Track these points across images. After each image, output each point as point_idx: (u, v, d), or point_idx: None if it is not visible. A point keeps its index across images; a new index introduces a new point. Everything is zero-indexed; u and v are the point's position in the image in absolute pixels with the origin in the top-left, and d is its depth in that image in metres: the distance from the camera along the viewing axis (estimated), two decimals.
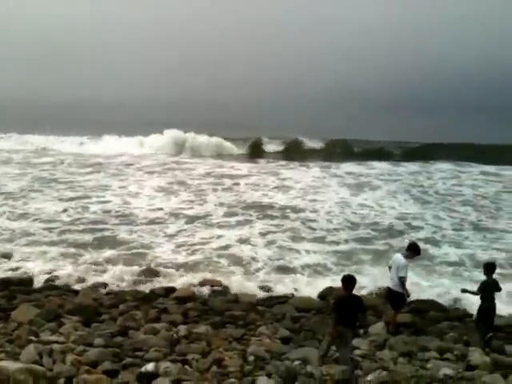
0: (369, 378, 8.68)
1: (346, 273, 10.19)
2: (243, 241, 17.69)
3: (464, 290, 11.07)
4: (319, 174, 31.65)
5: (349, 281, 9.06)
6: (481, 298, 10.73)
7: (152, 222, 19.72)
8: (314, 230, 19.36)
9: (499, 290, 10.76)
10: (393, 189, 27.66)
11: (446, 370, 8.94)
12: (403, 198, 25.49)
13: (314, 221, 20.48)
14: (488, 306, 10.64)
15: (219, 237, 18.01)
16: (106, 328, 10.54)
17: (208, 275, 14.29)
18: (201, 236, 18.12)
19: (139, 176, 29.00)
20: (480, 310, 10.76)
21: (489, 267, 10.87)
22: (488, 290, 10.66)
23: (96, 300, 12.28)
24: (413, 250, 11.31)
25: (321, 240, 18.16)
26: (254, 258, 16.04)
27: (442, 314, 12.43)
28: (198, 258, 15.83)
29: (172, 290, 13.24)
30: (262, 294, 13.44)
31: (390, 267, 11.39)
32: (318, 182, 28.78)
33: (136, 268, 14.50)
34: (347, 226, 19.94)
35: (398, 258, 11.25)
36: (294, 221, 20.38)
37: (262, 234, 18.48)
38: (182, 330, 10.51)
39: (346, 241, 18.20)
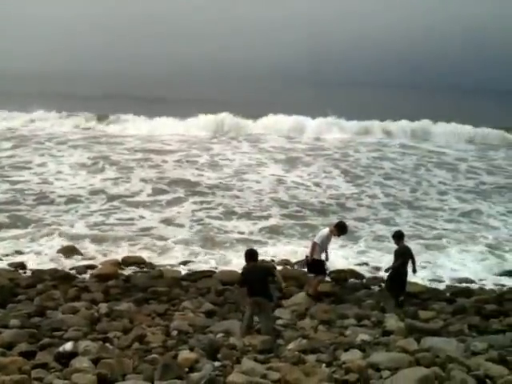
0: (290, 346, 8.88)
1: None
2: (169, 218, 17.48)
3: (387, 269, 11.69)
4: (249, 149, 31.24)
5: (250, 253, 9.64)
6: (395, 264, 11.37)
7: (71, 201, 18.93)
8: (244, 206, 19.23)
9: (414, 259, 11.45)
10: (322, 164, 27.78)
11: (364, 336, 9.30)
12: (334, 173, 25.59)
13: (243, 198, 20.34)
14: (401, 271, 11.32)
15: (142, 217, 17.64)
16: (22, 309, 10.18)
17: (131, 252, 14.07)
18: (125, 214, 17.74)
19: (62, 151, 27.66)
20: (393, 275, 11.39)
21: (397, 235, 11.69)
22: (402, 256, 11.32)
23: (12, 280, 11.78)
24: (339, 228, 11.87)
25: (250, 217, 18.10)
26: (179, 235, 15.87)
27: (360, 283, 12.90)
28: (122, 236, 15.50)
29: (93, 267, 12.94)
30: (186, 270, 13.40)
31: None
32: (250, 159, 28.23)
33: (55, 247, 14.07)
34: (278, 204, 19.80)
35: (324, 229, 11.97)
36: (224, 198, 20.16)
37: (191, 212, 18.24)
38: (103, 307, 10.33)
39: (275, 216, 18.22)
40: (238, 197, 20.47)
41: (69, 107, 40.09)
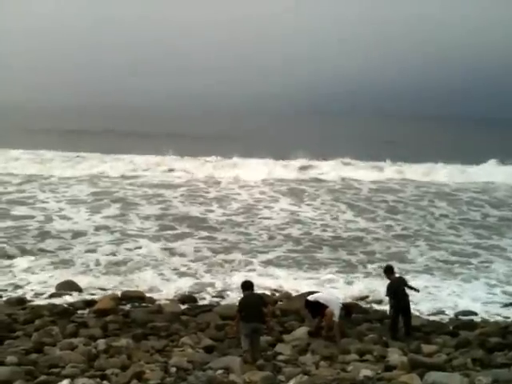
0: (291, 383, 8.71)
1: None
2: (173, 254, 17.38)
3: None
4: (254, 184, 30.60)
5: (246, 284, 10.49)
6: (394, 298, 11.46)
7: (74, 236, 18.88)
8: (251, 242, 19.12)
9: (408, 285, 11.82)
10: (326, 197, 27.46)
11: (366, 372, 9.12)
12: (341, 207, 25.32)
13: (250, 234, 20.16)
14: (401, 305, 11.48)
15: (144, 246, 17.67)
16: (19, 345, 10.06)
17: (131, 287, 13.97)
18: (126, 248, 17.66)
19: (67, 187, 27.36)
20: (395, 307, 11.47)
21: (387, 270, 12.06)
22: (393, 291, 11.54)
23: (10, 316, 11.66)
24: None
25: (255, 251, 17.98)
26: (182, 271, 15.78)
27: (362, 316, 12.69)
28: (121, 272, 15.40)
29: (92, 303, 12.83)
30: (186, 304, 13.27)
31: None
32: (257, 193, 27.82)
33: (54, 281, 14.01)
34: (288, 239, 19.62)
35: (337, 298, 11.68)
36: (230, 234, 20.04)
37: (195, 247, 18.13)
38: (101, 344, 10.15)
39: (283, 251, 18.16)
40: (244, 233, 20.19)
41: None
